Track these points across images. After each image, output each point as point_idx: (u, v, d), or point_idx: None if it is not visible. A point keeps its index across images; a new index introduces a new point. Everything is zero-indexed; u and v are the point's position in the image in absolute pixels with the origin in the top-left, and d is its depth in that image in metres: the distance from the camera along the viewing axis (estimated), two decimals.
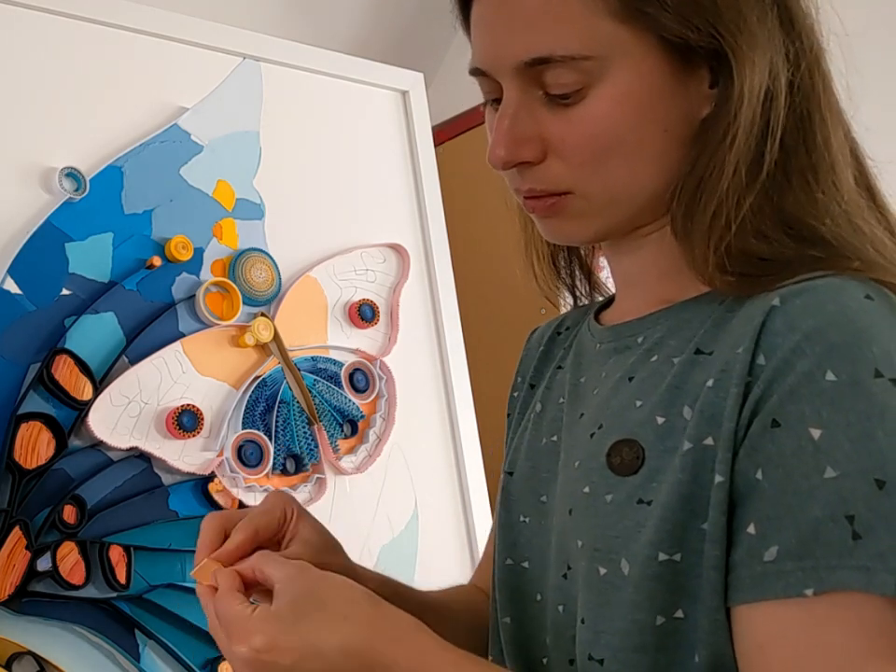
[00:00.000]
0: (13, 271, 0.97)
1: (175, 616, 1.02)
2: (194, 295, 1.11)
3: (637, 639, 0.44)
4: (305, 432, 1.18)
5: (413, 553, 1.26)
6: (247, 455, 1.11)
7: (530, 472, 0.58)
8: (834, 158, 0.47)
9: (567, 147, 0.47)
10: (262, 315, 1.17)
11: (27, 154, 1.01)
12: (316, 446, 1.19)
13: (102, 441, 1.00)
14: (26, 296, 0.98)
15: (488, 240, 1.76)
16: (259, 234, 1.20)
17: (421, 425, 1.33)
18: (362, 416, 1.25)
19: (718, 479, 0.42)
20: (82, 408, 0.99)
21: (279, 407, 1.16)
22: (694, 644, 0.43)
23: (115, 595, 0.98)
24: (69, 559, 0.95)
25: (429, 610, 0.53)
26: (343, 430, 1.23)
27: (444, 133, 2.02)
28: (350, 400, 1.23)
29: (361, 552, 1.20)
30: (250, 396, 1.14)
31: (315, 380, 1.21)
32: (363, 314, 1.27)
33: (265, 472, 1.13)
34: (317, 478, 1.19)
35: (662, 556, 0.43)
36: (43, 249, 1.00)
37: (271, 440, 1.14)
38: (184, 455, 1.07)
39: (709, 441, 0.43)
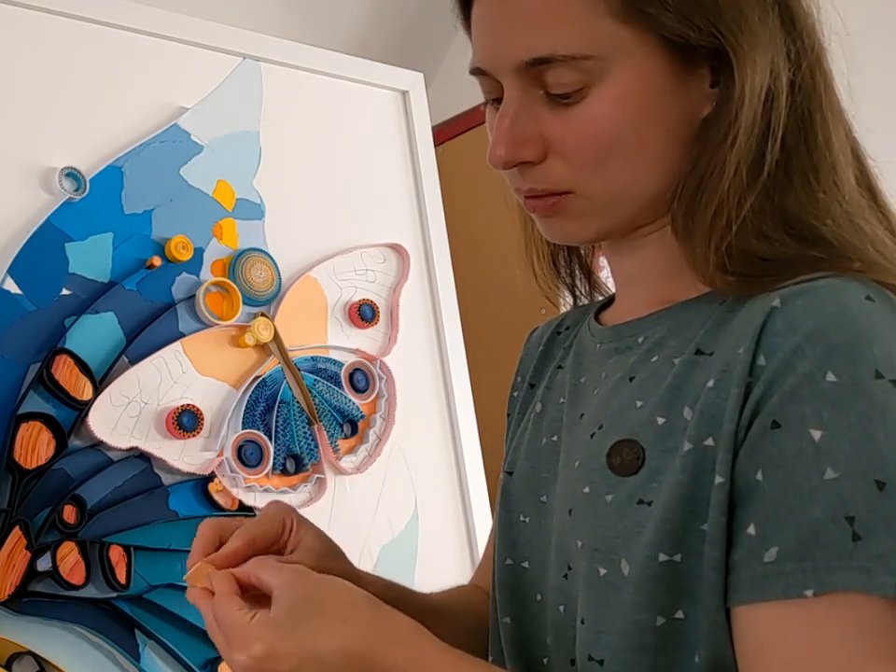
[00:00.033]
0: (13, 271, 0.97)
1: (174, 616, 1.02)
2: (194, 295, 1.11)
3: (636, 640, 0.44)
4: (305, 432, 1.18)
5: (412, 553, 1.26)
6: (247, 455, 1.11)
7: (530, 472, 0.58)
8: (836, 158, 0.47)
9: (567, 147, 0.47)
10: (262, 315, 1.17)
11: (27, 154, 1.01)
12: (316, 446, 1.19)
13: (102, 441, 1.00)
14: (26, 296, 0.98)
15: (488, 240, 1.76)
16: (259, 234, 1.20)
17: (421, 425, 1.32)
18: (362, 416, 1.25)
19: (718, 480, 0.42)
20: (82, 408, 0.99)
21: (279, 407, 1.16)
22: (694, 645, 0.43)
23: (115, 595, 0.98)
24: (69, 559, 0.95)
25: (432, 613, 0.53)
26: (342, 430, 1.22)
27: (444, 133, 2.02)
28: (350, 400, 1.23)
29: (361, 552, 1.20)
30: (250, 396, 1.14)
31: (314, 380, 1.21)
32: (363, 314, 1.27)
33: (265, 472, 1.13)
34: (317, 478, 1.18)
35: (662, 557, 0.43)
36: (43, 249, 1.00)
37: (271, 440, 1.14)
38: (184, 455, 1.07)
39: (710, 441, 0.43)
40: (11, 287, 0.97)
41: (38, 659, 0.93)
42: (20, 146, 1.01)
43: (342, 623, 0.43)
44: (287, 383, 1.18)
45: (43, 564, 0.94)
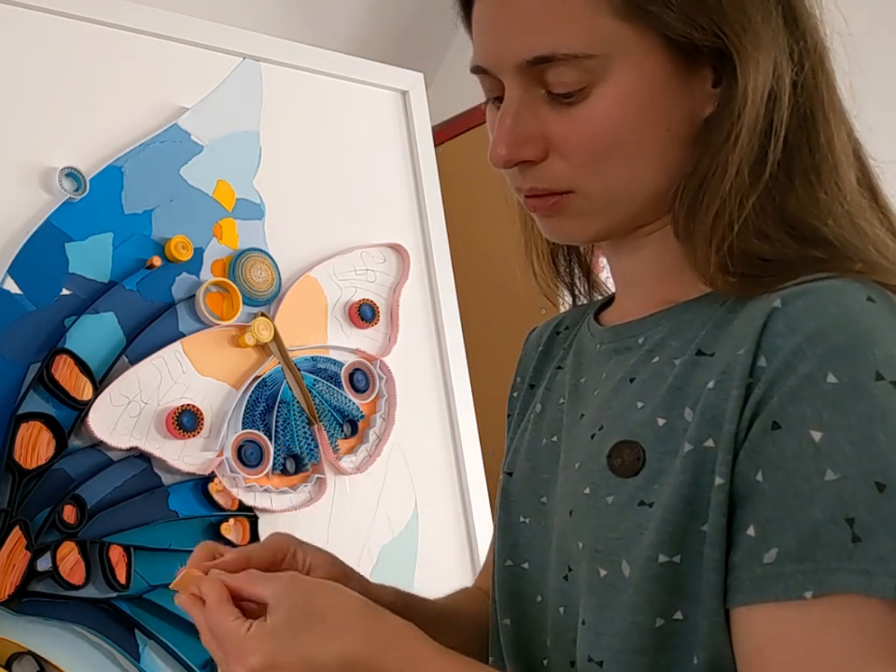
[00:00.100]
0: (13, 271, 0.97)
1: (174, 616, 1.02)
2: (194, 295, 1.11)
3: (636, 641, 0.44)
4: (305, 432, 1.18)
5: (413, 553, 1.26)
6: (247, 455, 1.11)
7: (530, 473, 0.58)
8: (837, 158, 0.47)
9: (569, 146, 0.47)
10: (262, 315, 1.17)
11: (27, 154, 1.01)
12: (316, 446, 1.19)
13: (102, 441, 1.00)
14: (26, 296, 0.98)
15: (488, 240, 1.76)
16: (259, 234, 1.20)
17: (421, 425, 1.32)
18: (362, 416, 1.25)
19: (718, 481, 0.42)
20: (82, 408, 0.99)
21: (279, 407, 1.16)
22: (693, 646, 0.43)
23: (115, 595, 0.98)
24: (69, 559, 0.95)
25: (439, 620, 0.53)
26: (343, 430, 1.22)
27: (444, 133, 2.02)
28: (350, 400, 1.23)
29: (361, 552, 1.20)
30: (250, 396, 1.14)
31: (314, 380, 1.21)
32: (363, 314, 1.27)
33: (265, 472, 1.13)
34: (317, 478, 1.18)
35: (662, 558, 0.43)
36: (43, 249, 1.00)
37: (271, 440, 1.14)
38: (184, 455, 1.07)
39: (710, 442, 0.43)
40: (11, 287, 0.97)
41: (38, 659, 0.93)
42: (20, 146, 1.01)
43: (340, 629, 0.43)
44: (287, 383, 1.18)
45: (43, 564, 0.94)
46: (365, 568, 1.20)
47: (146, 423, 1.04)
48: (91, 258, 1.04)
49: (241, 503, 1.10)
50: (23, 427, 0.95)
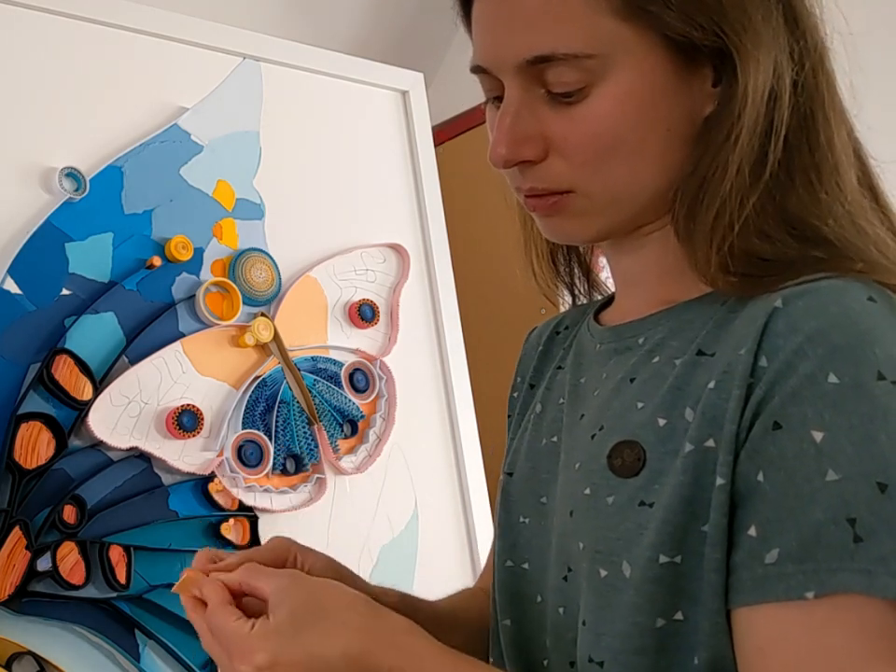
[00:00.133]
0: (13, 271, 0.97)
1: (174, 616, 1.02)
2: (194, 295, 1.11)
3: (637, 642, 0.44)
4: (305, 432, 1.18)
5: (413, 553, 1.26)
6: (247, 455, 1.11)
7: (530, 473, 0.57)
8: (838, 157, 0.47)
9: (568, 146, 0.47)
10: (262, 315, 1.17)
11: (27, 154, 1.01)
12: (316, 446, 1.19)
13: (102, 441, 1.00)
14: (26, 296, 0.98)
15: (488, 240, 1.76)
16: (259, 234, 1.20)
17: (421, 425, 1.32)
18: (362, 416, 1.25)
19: (719, 481, 0.42)
20: (82, 408, 0.99)
21: (279, 407, 1.16)
22: (694, 646, 0.43)
23: (115, 595, 0.98)
24: (69, 559, 0.95)
25: (441, 621, 0.53)
26: (343, 430, 1.22)
27: (444, 133, 2.02)
28: (350, 400, 1.23)
29: (361, 552, 1.20)
30: (250, 396, 1.14)
31: (315, 380, 1.21)
32: (363, 314, 1.27)
33: (265, 472, 1.13)
34: (317, 478, 1.18)
35: (663, 559, 0.43)
36: (43, 249, 1.00)
37: (271, 440, 1.14)
38: (184, 455, 1.07)
39: (710, 442, 0.43)
40: (11, 287, 0.97)
41: (38, 659, 0.93)
42: (20, 146, 1.01)
43: (342, 626, 0.43)
44: (287, 383, 1.18)
45: (43, 564, 0.94)
46: (365, 568, 1.20)
47: (146, 423, 1.04)
48: (91, 258, 1.04)
49: (241, 503, 1.10)
50: (23, 427, 0.95)
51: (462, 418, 1.36)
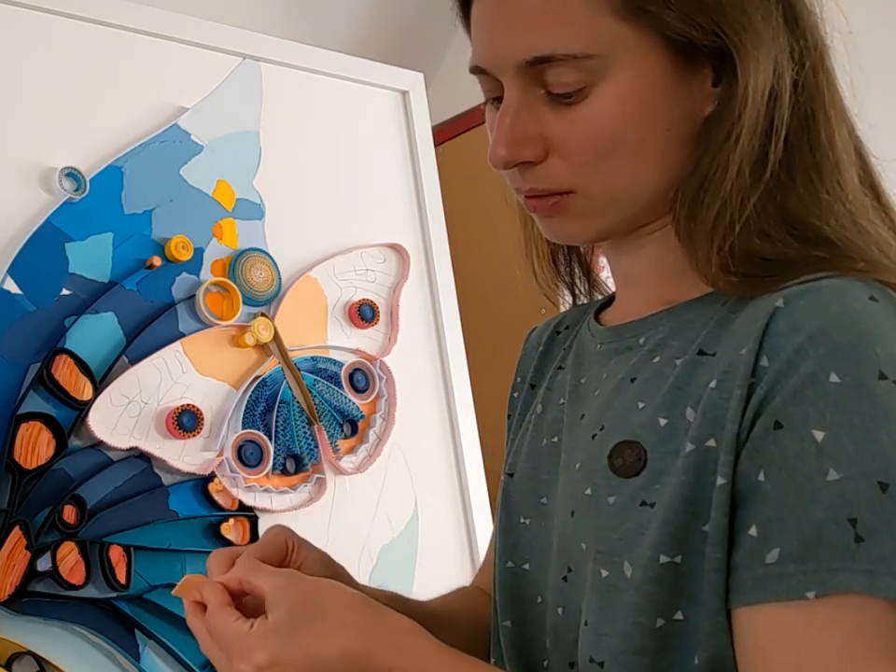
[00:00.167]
0: (13, 271, 0.97)
1: (174, 616, 1.02)
2: (194, 295, 1.11)
3: (637, 642, 0.44)
4: (305, 432, 1.18)
5: (413, 553, 1.26)
6: (247, 455, 1.11)
7: (530, 474, 0.57)
8: (839, 156, 0.47)
9: (568, 147, 0.47)
10: (262, 315, 1.17)
11: (27, 154, 1.01)
12: (316, 446, 1.19)
13: (102, 441, 1.00)
14: (26, 296, 0.98)
15: (488, 240, 1.76)
16: (259, 234, 1.20)
17: (421, 425, 1.32)
18: (362, 416, 1.25)
19: (720, 481, 0.42)
20: (82, 408, 0.99)
21: (279, 407, 1.16)
22: (694, 646, 0.43)
23: (115, 595, 0.98)
24: (69, 559, 0.95)
25: (432, 622, 0.53)
26: (343, 430, 1.22)
27: (444, 133, 2.02)
28: (350, 400, 1.23)
29: (361, 552, 1.20)
30: (250, 396, 1.14)
31: (314, 380, 1.21)
32: (363, 314, 1.27)
33: (265, 472, 1.13)
34: (317, 478, 1.18)
35: (663, 559, 0.43)
36: (43, 249, 1.00)
37: (271, 440, 1.14)
38: (184, 455, 1.07)
39: (711, 442, 0.43)
40: (11, 287, 0.97)
41: (38, 659, 0.93)
42: (20, 146, 1.01)
43: (341, 626, 0.43)
44: (287, 383, 1.18)
45: (43, 564, 0.94)
46: (365, 568, 1.20)
47: (146, 423, 1.04)
48: (91, 258, 1.04)
49: (241, 503, 1.10)
50: (23, 427, 0.95)
51: (462, 418, 1.36)
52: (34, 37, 1.04)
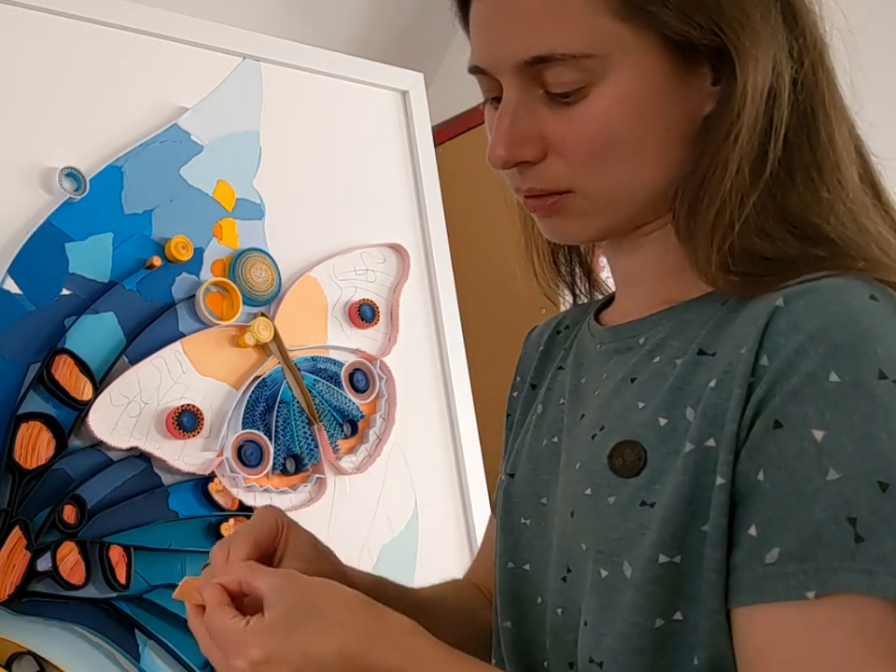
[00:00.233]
0: (13, 271, 0.97)
1: (175, 616, 1.02)
2: (194, 295, 1.11)
3: (636, 642, 0.44)
4: (305, 432, 1.18)
5: (413, 553, 1.26)
6: (247, 455, 1.11)
7: (531, 474, 0.57)
8: (839, 155, 0.47)
9: (567, 146, 0.47)
10: (262, 315, 1.17)
11: (27, 154, 1.01)
12: (316, 446, 1.19)
13: (102, 441, 1.00)
14: (26, 296, 0.98)
15: (488, 240, 1.76)
16: (259, 234, 1.20)
17: (421, 425, 1.32)
18: (362, 416, 1.25)
19: (719, 481, 0.42)
20: (82, 408, 0.99)
21: (279, 407, 1.16)
22: (693, 646, 0.43)
23: (115, 595, 0.98)
24: (69, 559, 0.95)
25: (418, 610, 0.53)
26: (343, 430, 1.22)
27: (444, 133, 2.02)
28: (350, 400, 1.23)
29: (361, 552, 1.20)
30: (250, 396, 1.14)
31: (314, 380, 1.21)
32: (363, 314, 1.27)
33: (265, 472, 1.13)
34: (317, 478, 1.18)
35: (662, 559, 0.43)
36: (43, 249, 1.00)
37: (271, 440, 1.14)
38: (184, 455, 1.07)
39: (711, 442, 0.43)
40: (11, 287, 0.97)
41: (38, 659, 0.93)
42: (20, 146, 1.01)
43: (338, 625, 0.43)
44: (287, 383, 1.18)
45: (43, 564, 0.94)
46: (365, 568, 1.17)
47: (146, 423, 1.04)
48: (91, 258, 1.04)
49: (241, 503, 1.10)
50: (23, 427, 0.95)
51: (462, 418, 1.36)
52: (34, 37, 1.04)
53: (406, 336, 1.32)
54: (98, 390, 1.00)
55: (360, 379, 1.25)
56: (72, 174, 1.03)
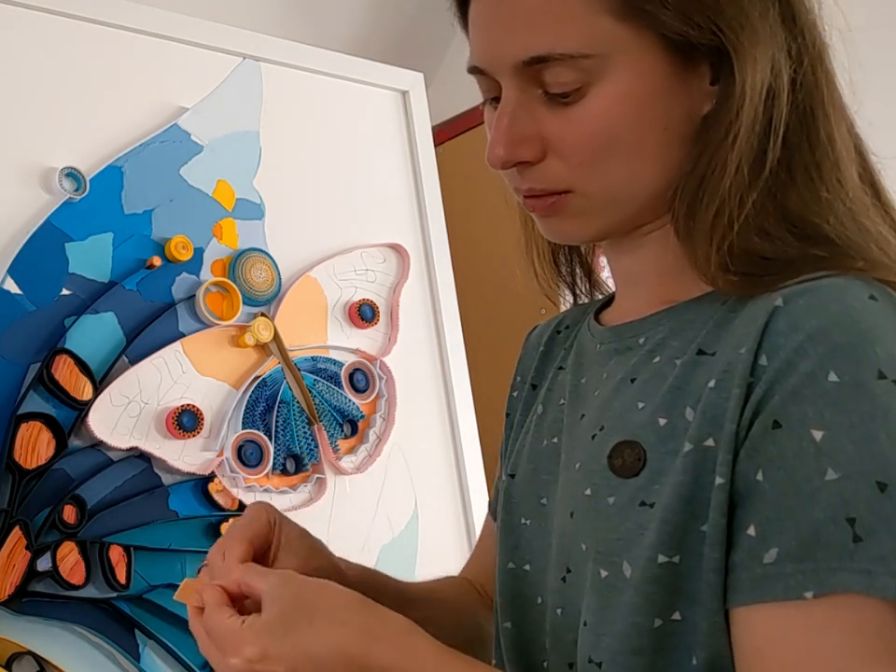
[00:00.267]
0: (13, 271, 0.97)
1: (175, 616, 1.02)
2: (194, 295, 1.11)
3: (635, 642, 0.44)
4: (305, 432, 1.18)
5: (413, 553, 1.26)
6: (247, 455, 1.11)
7: (531, 475, 0.57)
8: (838, 154, 0.47)
9: (566, 146, 0.47)
10: (262, 315, 1.17)
11: (27, 154, 1.01)
12: (316, 446, 1.19)
13: (102, 441, 1.00)
14: (26, 296, 0.98)
15: (488, 240, 1.76)
16: (259, 234, 1.20)
17: (421, 425, 1.32)
18: (362, 416, 1.25)
19: (718, 481, 0.42)
20: (82, 408, 0.99)
21: (279, 407, 1.16)
22: (692, 646, 0.43)
23: (115, 595, 0.98)
24: (69, 559, 0.95)
25: (409, 604, 0.53)
26: (343, 430, 1.22)
27: (444, 133, 2.02)
28: (350, 400, 1.23)
29: (361, 552, 1.20)
30: (250, 396, 1.14)
31: (315, 380, 1.21)
32: (363, 314, 1.27)
33: (265, 472, 1.13)
34: (317, 478, 1.18)
35: (661, 559, 0.43)
36: (43, 249, 1.00)
37: (271, 440, 1.14)
38: (184, 455, 1.07)
39: (710, 442, 0.43)
40: (11, 287, 0.97)
41: (38, 659, 0.93)
42: (20, 146, 1.01)
43: (338, 625, 0.43)
44: (287, 383, 1.18)
45: (43, 564, 0.94)
46: None
47: (146, 423, 1.04)
48: (91, 258, 1.04)
49: (241, 503, 1.10)
50: (23, 427, 0.95)
51: (462, 418, 1.36)
52: (34, 37, 1.04)
53: (406, 336, 1.32)
54: (98, 390, 1.00)
55: (360, 379, 1.25)
56: (72, 174, 1.03)
